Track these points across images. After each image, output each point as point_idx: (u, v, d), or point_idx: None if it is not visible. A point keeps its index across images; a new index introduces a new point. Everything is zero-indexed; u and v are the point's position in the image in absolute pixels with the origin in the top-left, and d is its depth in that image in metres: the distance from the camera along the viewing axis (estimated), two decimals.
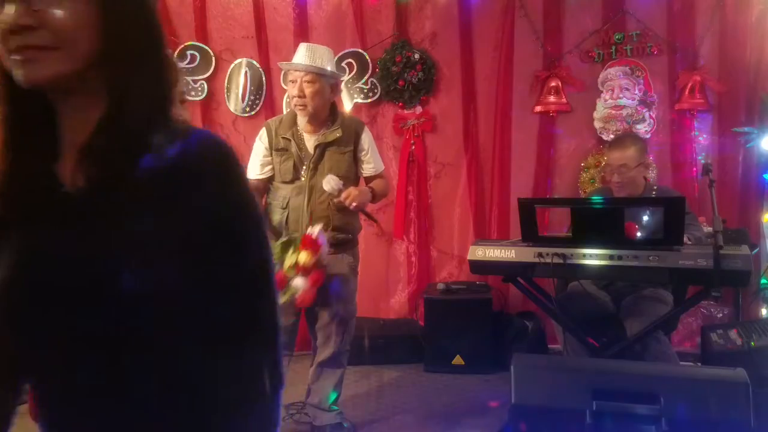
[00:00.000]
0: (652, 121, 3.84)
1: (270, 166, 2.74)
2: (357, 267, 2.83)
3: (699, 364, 3.26)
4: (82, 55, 0.70)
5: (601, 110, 3.87)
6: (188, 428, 0.76)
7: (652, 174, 3.55)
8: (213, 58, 3.99)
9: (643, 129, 3.80)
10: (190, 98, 3.90)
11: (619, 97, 3.80)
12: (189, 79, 3.89)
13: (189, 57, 3.93)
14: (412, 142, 4.08)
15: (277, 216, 2.68)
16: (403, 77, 3.96)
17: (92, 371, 0.73)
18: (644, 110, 3.82)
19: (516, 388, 2.06)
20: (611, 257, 2.43)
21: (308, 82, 2.60)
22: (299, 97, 2.61)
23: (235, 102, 4.03)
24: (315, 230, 2.52)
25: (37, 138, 0.76)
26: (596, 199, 3.06)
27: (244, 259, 0.78)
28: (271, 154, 2.72)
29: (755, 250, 3.30)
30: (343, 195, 2.57)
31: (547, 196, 3.98)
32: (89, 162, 0.71)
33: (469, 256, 2.70)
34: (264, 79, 4.02)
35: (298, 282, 2.48)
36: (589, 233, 2.49)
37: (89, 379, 0.73)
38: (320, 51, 2.68)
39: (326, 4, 4.04)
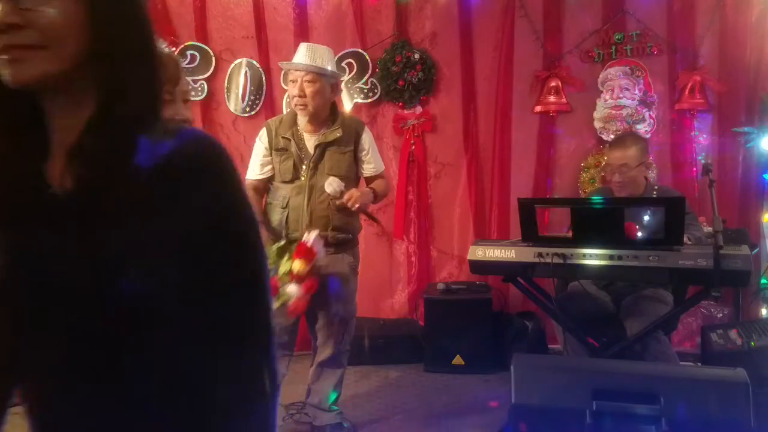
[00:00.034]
0: (652, 121, 3.84)
1: (270, 166, 2.74)
2: (357, 267, 2.83)
3: (699, 364, 3.26)
4: (71, 55, 0.70)
5: (601, 110, 3.87)
6: (189, 428, 0.76)
7: (652, 174, 3.55)
8: (213, 58, 3.99)
9: (643, 129, 3.79)
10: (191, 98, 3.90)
11: (619, 97, 3.79)
12: (189, 79, 3.89)
13: (189, 57, 3.93)
14: (412, 142, 4.08)
15: (276, 215, 2.68)
16: (403, 77, 3.96)
17: (90, 372, 0.73)
18: (644, 110, 3.82)
19: (516, 388, 2.06)
20: (611, 257, 2.43)
21: (309, 81, 2.60)
22: (300, 96, 2.61)
23: (235, 102, 4.03)
24: (311, 237, 2.52)
25: (26, 138, 0.75)
26: (596, 199, 3.06)
27: (238, 259, 0.77)
28: (271, 154, 2.72)
29: (755, 250, 3.30)
30: (345, 197, 2.57)
31: (547, 196, 3.98)
32: (78, 162, 0.70)
33: (469, 256, 2.70)
34: (264, 79, 4.02)
35: (292, 289, 2.48)
36: (589, 233, 2.49)
37: (88, 379, 0.73)
38: (321, 51, 2.68)
39: (326, 4, 4.04)
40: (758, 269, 3.42)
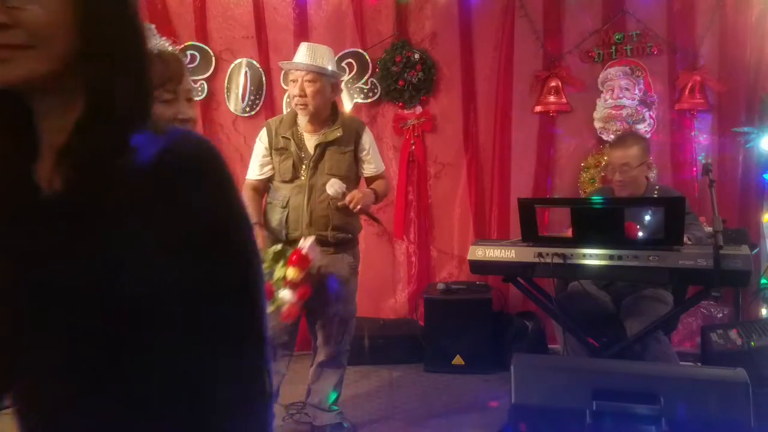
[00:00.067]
0: (652, 121, 3.84)
1: (269, 166, 2.74)
2: (357, 267, 2.83)
3: (699, 364, 3.26)
4: (59, 55, 0.69)
5: (601, 110, 3.87)
6: (189, 428, 0.76)
7: (652, 174, 3.55)
8: (213, 58, 3.99)
9: (643, 129, 3.79)
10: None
11: (619, 97, 3.79)
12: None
13: (189, 57, 3.92)
14: (412, 142, 4.08)
15: (276, 215, 2.68)
16: (403, 77, 3.96)
17: (90, 372, 0.73)
18: (644, 110, 3.82)
19: (516, 388, 2.06)
20: (611, 257, 2.43)
21: (309, 81, 2.60)
22: (300, 96, 2.61)
23: (235, 102, 4.03)
24: (306, 244, 2.52)
25: (14, 139, 0.74)
26: (596, 199, 3.06)
27: (236, 259, 0.77)
28: (271, 154, 2.73)
29: (755, 250, 3.30)
30: (347, 198, 2.57)
31: (547, 196, 3.98)
32: (66, 164, 0.70)
33: (469, 256, 2.70)
34: (264, 79, 4.02)
35: (286, 294, 2.48)
36: (589, 233, 2.49)
37: (88, 379, 0.73)
38: (321, 50, 2.68)
39: (326, 4, 4.04)
40: (758, 269, 3.42)
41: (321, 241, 2.65)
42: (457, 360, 3.71)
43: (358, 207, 2.58)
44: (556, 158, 4.03)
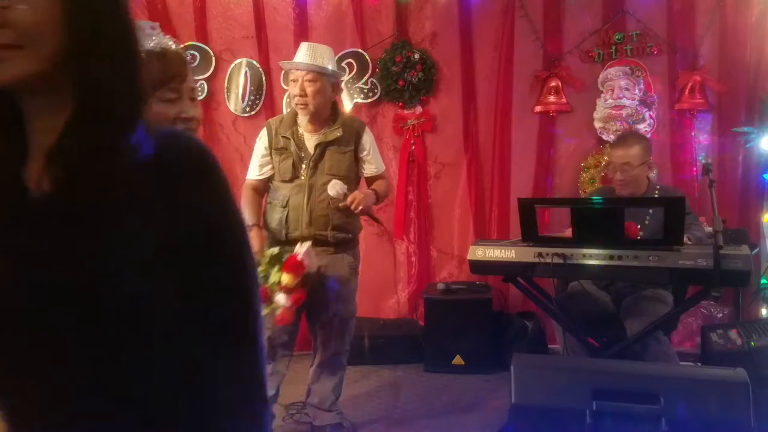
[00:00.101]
0: (652, 121, 3.84)
1: (269, 166, 2.74)
2: (357, 267, 2.82)
3: (699, 364, 3.26)
4: (48, 54, 0.68)
5: (601, 110, 3.86)
6: (190, 429, 0.76)
7: (652, 174, 3.56)
8: (213, 58, 3.99)
9: (643, 129, 3.79)
10: None
11: (619, 97, 3.79)
12: None
13: (189, 57, 3.92)
14: (412, 142, 4.08)
15: (276, 215, 2.68)
16: (403, 77, 3.96)
17: (89, 374, 0.72)
18: (644, 110, 3.82)
19: (516, 388, 2.06)
20: (611, 257, 2.43)
21: (310, 81, 2.60)
22: (301, 96, 2.61)
23: (235, 102, 4.03)
24: (302, 250, 2.52)
25: (3, 140, 0.73)
26: (596, 199, 3.06)
27: (232, 260, 0.76)
28: (271, 154, 2.73)
29: (755, 250, 3.30)
30: (349, 199, 2.57)
31: (547, 196, 3.98)
32: (56, 165, 0.69)
33: (469, 256, 2.70)
34: (264, 79, 4.02)
35: (281, 298, 2.49)
36: (589, 233, 2.49)
37: (87, 380, 0.72)
38: (321, 50, 2.68)
39: (326, 4, 4.04)
40: (758, 269, 3.43)
41: (321, 241, 2.66)
42: (457, 360, 3.71)
43: (360, 208, 2.58)
44: (556, 158, 4.03)
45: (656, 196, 2.98)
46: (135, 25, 0.75)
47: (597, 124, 3.89)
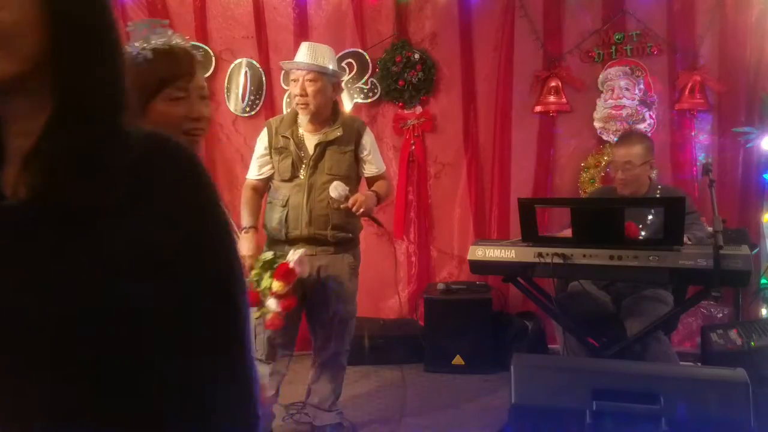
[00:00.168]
0: (652, 121, 3.84)
1: (269, 166, 2.75)
2: (357, 267, 2.82)
3: (699, 364, 3.26)
4: (27, 55, 0.65)
5: (601, 110, 3.87)
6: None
7: (653, 174, 3.56)
8: (213, 58, 3.99)
9: (643, 129, 3.79)
10: None
11: (619, 97, 3.79)
12: None
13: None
14: (412, 142, 4.08)
15: (276, 214, 2.68)
16: (403, 77, 3.96)
17: (82, 388, 0.70)
18: (644, 110, 3.82)
19: (516, 388, 2.06)
20: (611, 257, 2.43)
21: (310, 80, 2.60)
22: (301, 95, 2.61)
23: (235, 102, 4.03)
24: (294, 257, 2.53)
25: None
26: (597, 199, 3.06)
27: (214, 266, 0.75)
28: (271, 154, 2.73)
29: (755, 250, 3.30)
30: (350, 201, 2.57)
31: (547, 196, 3.99)
32: (34, 169, 0.66)
33: (469, 256, 2.70)
34: (264, 79, 4.02)
35: (271, 303, 2.50)
36: (589, 233, 2.49)
37: (79, 396, 0.71)
38: (322, 50, 2.68)
39: (326, 4, 4.04)
40: (758, 269, 3.42)
41: (321, 241, 2.66)
42: (457, 360, 3.71)
43: (361, 210, 2.58)
44: (556, 158, 4.03)
45: (658, 195, 2.98)
46: (117, 25, 0.73)
47: (597, 124, 3.89)
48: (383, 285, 4.13)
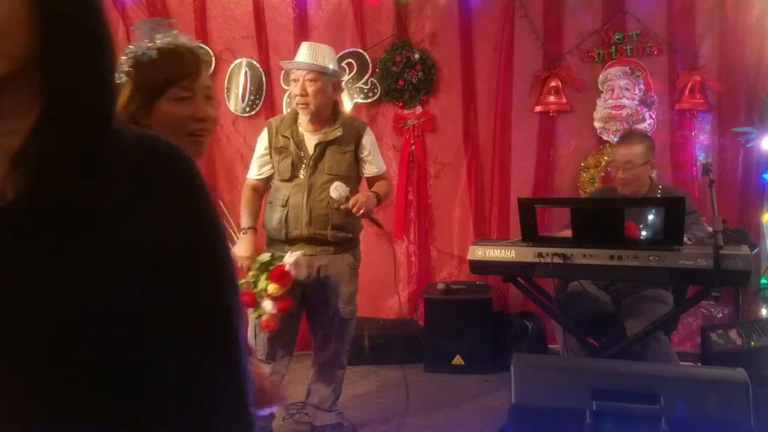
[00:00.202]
0: (652, 121, 3.84)
1: (268, 166, 2.75)
2: (357, 267, 2.82)
3: (699, 364, 3.26)
4: (16, 54, 0.64)
5: (601, 110, 3.87)
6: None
7: (653, 174, 3.56)
8: (213, 58, 3.99)
9: (643, 129, 3.79)
10: None
11: (619, 97, 3.80)
12: None
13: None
14: (412, 142, 4.08)
15: (276, 214, 2.68)
16: (403, 77, 3.96)
17: (77, 400, 0.69)
18: (644, 110, 3.83)
19: (516, 388, 2.06)
20: (611, 257, 2.43)
21: (311, 80, 2.60)
22: (302, 95, 2.61)
23: (235, 102, 4.03)
24: (291, 259, 2.53)
25: None
26: (596, 199, 3.06)
27: (207, 267, 0.74)
28: (271, 154, 2.73)
29: (755, 250, 3.30)
30: (351, 202, 2.57)
31: (547, 196, 3.99)
32: (21, 170, 0.65)
33: (469, 256, 2.70)
34: (264, 79, 4.02)
35: (267, 305, 2.51)
36: (589, 233, 2.49)
37: (74, 407, 0.71)
38: (322, 50, 2.68)
39: (326, 4, 4.04)
40: (758, 269, 3.42)
41: (321, 241, 2.66)
42: (457, 360, 3.71)
43: (361, 211, 2.58)
44: (556, 158, 4.03)
45: (659, 195, 2.98)
46: (109, 23, 0.72)
47: (597, 124, 3.89)
48: (383, 285, 4.13)
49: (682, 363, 3.00)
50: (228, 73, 4.01)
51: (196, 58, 1.28)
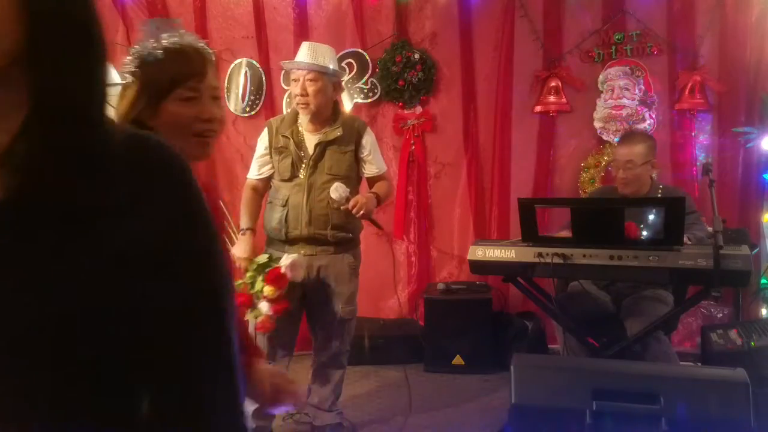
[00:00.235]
0: (652, 121, 3.84)
1: (268, 166, 2.75)
2: (358, 267, 2.82)
3: (699, 364, 3.26)
4: (4, 51, 0.63)
5: (601, 110, 3.87)
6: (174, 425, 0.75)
7: (654, 174, 3.56)
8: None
9: (643, 129, 3.79)
10: None
11: (619, 97, 3.80)
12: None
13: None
14: (412, 142, 4.08)
15: (276, 214, 2.68)
16: (403, 77, 3.96)
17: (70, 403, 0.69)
18: (644, 110, 3.83)
19: (516, 388, 2.06)
20: (611, 257, 2.43)
21: (311, 80, 2.60)
22: (302, 95, 2.61)
23: (235, 102, 4.03)
24: (287, 261, 2.53)
25: None
26: (596, 199, 3.06)
27: (198, 269, 0.73)
28: (271, 153, 2.73)
29: (755, 250, 3.30)
30: (351, 203, 2.57)
31: (547, 196, 3.99)
32: (9, 169, 0.64)
33: (469, 256, 2.70)
34: (264, 79, 4.02)
35: (263, 307, 2.52)
36: (589, 233, 2.49)
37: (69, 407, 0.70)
38: (322, 49, 2.68)
39: (326, 4, 4.04)
40: (758, 269, 3.42)
41: (321, 241, 2.66)
42: (457, 360, 3.71)
43: (361, 212, 2.58)
44: (556, 158, 4.03)
45: (659, 195, 2.98)
46: (100, 22, 0.71)
47: (597, 124, 3.89)
48: (383, 285, 4.13)
49: (682, 363, 3.00)
50: (228, 73, 4.01)
51: (203, 58, 1.27)
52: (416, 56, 3.96)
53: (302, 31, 4.00)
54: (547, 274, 2.59)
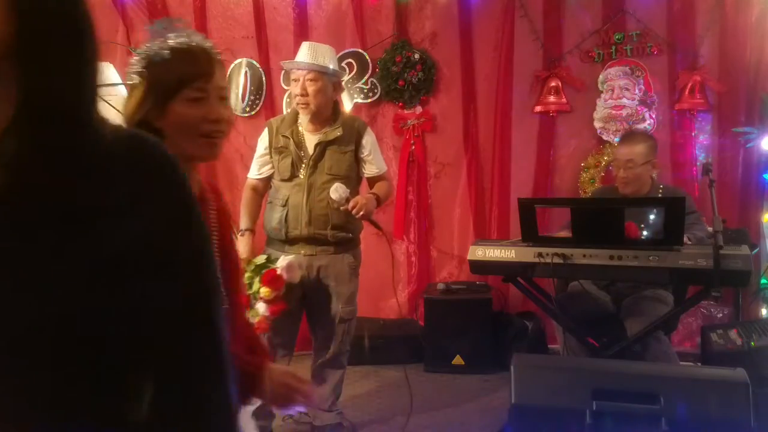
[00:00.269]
0: (652, 121, 3.84)
1: (268, 166, 2.75)
2: (358, 267, 2.82)
3: (699, 364, 3.26)
4: None
5: (601, 110, 3.87)
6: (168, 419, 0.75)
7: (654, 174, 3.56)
8: None
9: (643, 129, 3.79)
10: None
11: (619, 97, 3.80)
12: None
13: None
14: (412, 142, 4.08)
15: (276, 214, 2.68)
16: (403, 77, 3.96)
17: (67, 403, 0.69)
18: (644, 110, 3.83)
19: (516, 388, 2.06)
20: (611, 257, 2.43)
21: (311, 80, 2.60)
22: (302, 95, 2.61)
23: (235, 102, 4.02)
24: (283, 263, 2.53)
25: None
26: (596, 198, 3.06)
27: (188, 269, 0.73)
28: (271, 153, 2.73)
29: (755, 250, 3.30)
30: (351, 204, 2.57)
31: (547, 196, 3.99)
32: None
33: (469, 256, 2.70)
34: (264, 79, 4.03)
35: (260, 307, 2.52)
36: (589, 233, 2.49)
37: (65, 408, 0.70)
38: (323, 49, 2.68)
39: (326, 4, 4.04)
40: (758, 269, 3.42)
41: (321, 241, 2.66)
42: (457, 360, 3.71)
43: (361, 213, 2.58)
44: (556, 158, 4.03)
45: (660, 195, 2.98)
46: (92, 21, 0.70)
47: (597, 124, 3.89)
48: (383, 285, 4.12)
49: (682, 363, 3.00)
50: (228, 73, 4.01)
51: (210, 58, 1.26)
52: (416, 56, 3.96)
53: (302, 31, 4.00)
54: (547, 274, 2.60)
